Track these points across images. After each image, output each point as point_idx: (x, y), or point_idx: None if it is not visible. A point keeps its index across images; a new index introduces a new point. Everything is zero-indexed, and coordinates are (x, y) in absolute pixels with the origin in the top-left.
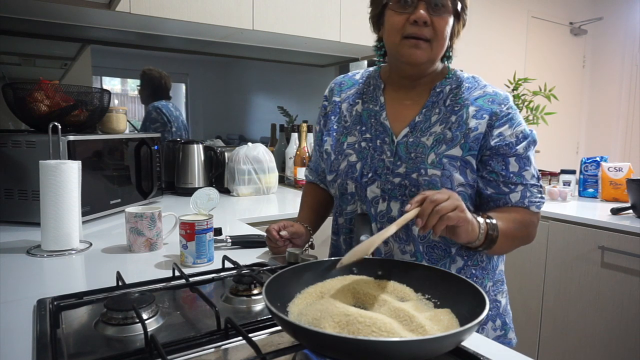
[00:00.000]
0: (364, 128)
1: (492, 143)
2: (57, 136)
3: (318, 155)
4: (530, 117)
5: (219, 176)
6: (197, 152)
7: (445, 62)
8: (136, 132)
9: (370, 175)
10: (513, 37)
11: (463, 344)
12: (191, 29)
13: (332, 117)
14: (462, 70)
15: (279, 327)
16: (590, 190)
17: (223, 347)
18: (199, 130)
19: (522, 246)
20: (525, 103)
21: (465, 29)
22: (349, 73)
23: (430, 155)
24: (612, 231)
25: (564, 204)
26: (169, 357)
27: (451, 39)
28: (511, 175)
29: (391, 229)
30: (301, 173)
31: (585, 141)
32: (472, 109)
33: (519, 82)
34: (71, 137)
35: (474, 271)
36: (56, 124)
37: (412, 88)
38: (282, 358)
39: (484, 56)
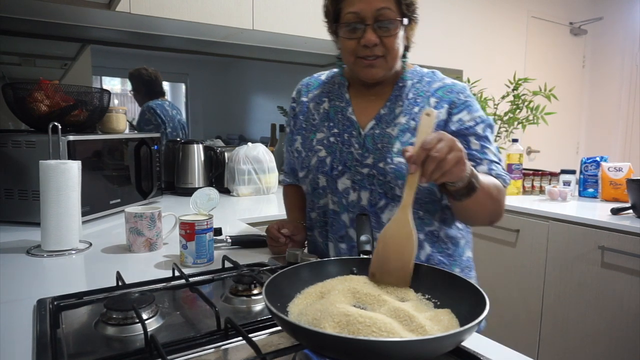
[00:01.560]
0: (331, 124)
1: (453, 128)
2: (57, 136)
3: (290, 156)
4: (531, 117)
5: (219, 176)
6: (197, 152)
7: (403, 61)
8: (136, 132)
9: (340, 168)
10: (513, 37)
11: (463, 344)
12: (191, 29)
13: (301, 117)
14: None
15: (279, 327)
16: (591, 190)
17: (223, 347)
18: (199, 130)
19: (492, 224)
20: (525, 103)
21: (466, 29)
22: (315, 74)
23: (395, 144)
24: (612, 231)
25: (564, 204)
26: (169, 357)
27: (406, 39)
28: (474, 152)
29: (409, 213)
30: None
31: (585, 141)
32: (432, 100)
33: (519, 82)
34: (71, 137)
35: (440, 257)
36: (56, 124)
37: (376, 84)
38: (282, 358)
39: (484, 56)
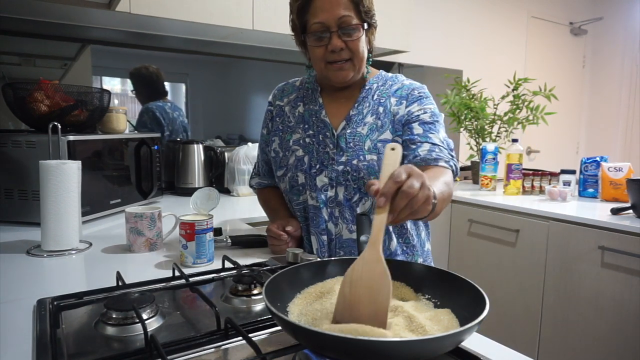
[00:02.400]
0: (306, 126)
1: (402, 120)
2: (57, 136)
3: (266, 157)
4: (530, 117)
5: (219, 176)
6: (197, 152)
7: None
8: (136, 132)
9: (318, 166)
10: (513, 37)
11: (463, 344)
12: (191, 28)
13: (277, 119)
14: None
15: (279, 327)
16: (590, 190)
17: (223, 347)
18: (199, 130)
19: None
20: (525, 103)
21: (466, 28)
22: (290, 80)
23: (366, 142)
24: (612, 231)
25: (564, 204)
26: (169, 357)
27: (369, 43)
28: (415, 136)
29: (380, 249)
30: None
31: (585, 141)
32: (393, 100)
33: (519, 82)
34: (71, 137)
35: (405, 248)
36: (56, 124)
37: (345, 87)
38: (282, 358)
39: (484, 56)
